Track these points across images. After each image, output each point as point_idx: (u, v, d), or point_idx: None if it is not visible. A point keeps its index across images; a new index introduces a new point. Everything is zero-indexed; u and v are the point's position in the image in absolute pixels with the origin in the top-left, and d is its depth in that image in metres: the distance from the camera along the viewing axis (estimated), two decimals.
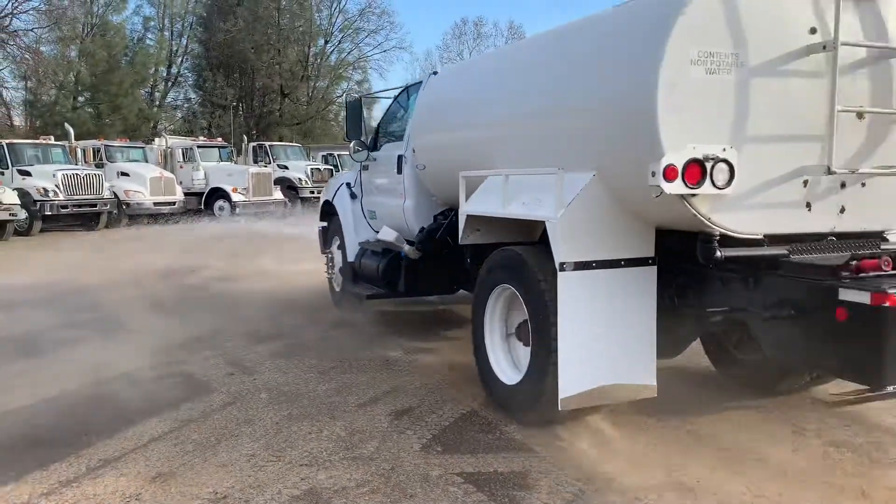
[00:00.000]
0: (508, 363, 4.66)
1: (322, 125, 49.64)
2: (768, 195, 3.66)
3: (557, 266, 3.87)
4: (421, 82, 6.68)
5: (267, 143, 28.08)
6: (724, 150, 3.49)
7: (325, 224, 8.33)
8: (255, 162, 25.43)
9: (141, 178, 21.08)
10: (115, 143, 23.81)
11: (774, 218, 3.69)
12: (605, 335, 3.94)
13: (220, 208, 22.49)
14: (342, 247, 7.53)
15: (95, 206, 18.96)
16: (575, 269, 3.88)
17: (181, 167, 23.51)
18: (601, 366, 3.93)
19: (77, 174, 18.83)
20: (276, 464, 3.88)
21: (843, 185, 3.79)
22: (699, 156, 3.44)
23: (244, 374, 5.55)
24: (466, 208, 4.91)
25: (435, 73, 6.63)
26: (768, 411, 4.56)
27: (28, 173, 18.33)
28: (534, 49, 5.37)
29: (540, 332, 4.15)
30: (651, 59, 3.48)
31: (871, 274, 3.40)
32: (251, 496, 3.51)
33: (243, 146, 27.25)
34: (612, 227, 3.97)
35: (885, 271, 3.43)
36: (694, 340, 4.60)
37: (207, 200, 22.80)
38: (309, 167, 25.77)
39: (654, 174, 3.42)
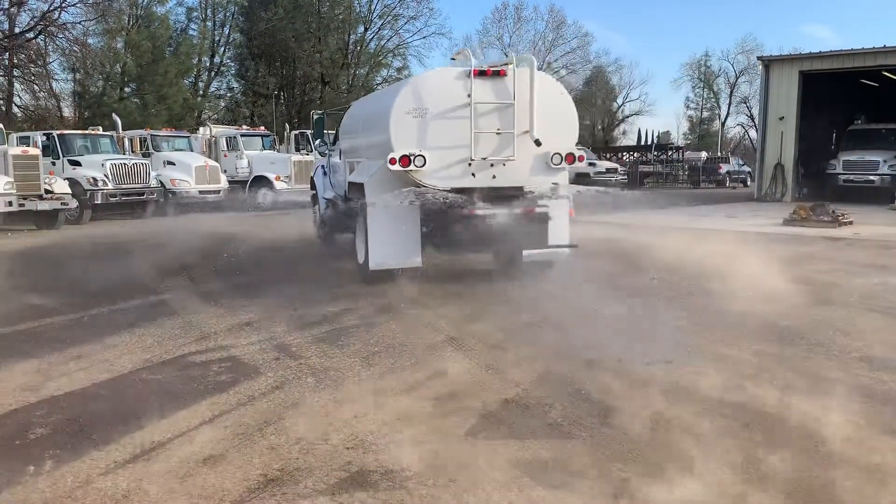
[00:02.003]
0: (361, 253, 8.60)
1: None
2: (450, 170, 7.62)
3: (367, 203, 8.01)
4: None
5: (309, 131, 28.28)
6: (420, 150, 7.46)
7: (314, 192, 13.12)
8: (297, 150, 25.65)
9: (186, 166, 21.44)
10: (161, 133, 24.23)
11: (455, 181, 7.62)
12: (392, 237, 8.02)
13: (264, 196, 22.79)
14: (318, 206, 12.46)
15: (143, 194, 19.34)
16: (375, 206, 7.93)
17: (225, 156, 23.85)
18: (390, 251, 8.07)
19: (125, 164, 19.22)
20: (324, 446, 3.94)
21: (492, 165, 7.69)
22: (406, 153, 7.45)
23: (290, 358, 5.63)
24: (349, 178, 9.36)
25: (357, 99, 11.49)
26: None
27: (78, 163, 18.78)
28: (371, 99, 10.66)
29: (366, 236, 8.17)
30: (387, 112, 7.60)
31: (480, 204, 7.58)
32: (300, 478, 3.57)
33: (285, 134, 27.50)
34: (394, 186, 7.65)
35: (478, 203, 7.56)
36: (453, 243, 8.28)
37: (251, 188, 23.12)
38: None
39: (386, 161, 7.45)
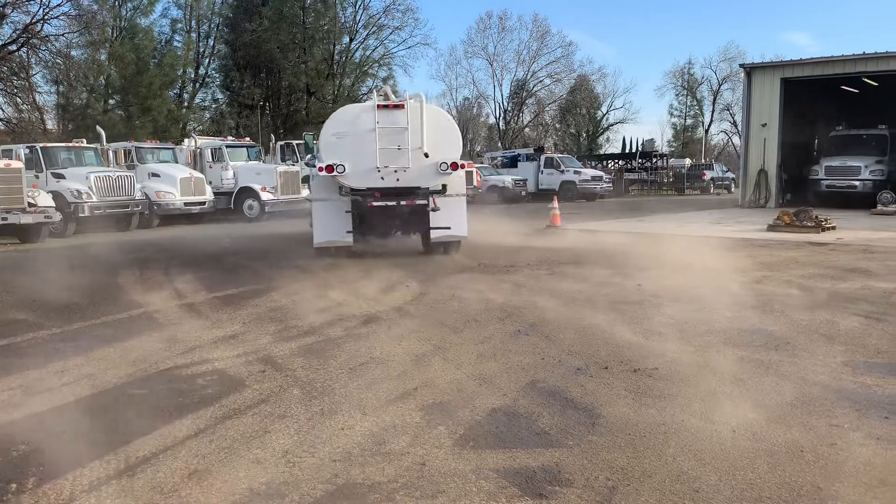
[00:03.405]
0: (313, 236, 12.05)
1: None
2: (365, 175, 11.19)
3: (312, 198, 12.22)
4: None
5: (294, 142, 28.23)
6: (341, 161, 11.04)
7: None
8: (283, 161, 25.62)
9: (171, 178, 21.38)
10: (146, 145, 24.15)
11: (368, 182, 11.22)
12: (329, 222, 11.67)
13: (250, 207, 22.72)
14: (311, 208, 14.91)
15: (127, 207, 19.26)
16: (317, 200, 11.97)
17: (210, 167, 23.78)
18: (328, 233, 11.69)
19: (109, 176, 19.15)
20: (310, 459, 3.91)
21: (395, 171, 11.18)
22: (331, 163, 11.03)
23: (276, 370, 5.60)
24: (313, 183, 12.55)
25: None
26: None
27: (62, 176, 18.69)
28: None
29: (314, 221, 12.00)
30: (321, 134, 11.53)
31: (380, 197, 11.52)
32: (286, 492, 3.54)
33: (271, 145, 27.47)
34: (333, 187, 11.57)
35: (380, 198, 11.40)
36: (385, 231, 12.21)
37: (237, 200, 23.04)
38: None
39: (317, 169, 11.29)
